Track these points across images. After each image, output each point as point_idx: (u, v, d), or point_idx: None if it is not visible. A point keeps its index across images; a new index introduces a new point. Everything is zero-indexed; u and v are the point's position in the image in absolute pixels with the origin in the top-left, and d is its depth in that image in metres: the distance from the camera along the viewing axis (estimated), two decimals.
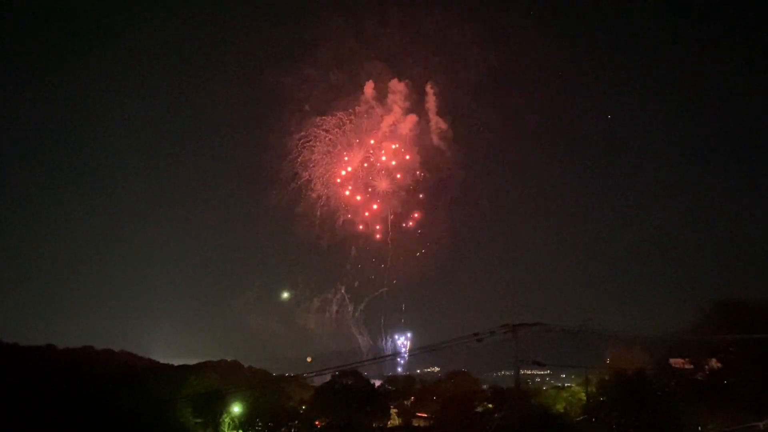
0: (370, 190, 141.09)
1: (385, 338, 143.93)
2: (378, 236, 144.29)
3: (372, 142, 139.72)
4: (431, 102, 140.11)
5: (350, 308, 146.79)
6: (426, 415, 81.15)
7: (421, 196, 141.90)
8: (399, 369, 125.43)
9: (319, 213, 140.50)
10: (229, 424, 68.33)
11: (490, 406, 76.92)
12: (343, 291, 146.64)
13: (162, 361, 78.01)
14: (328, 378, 79.23)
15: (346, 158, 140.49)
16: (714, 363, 63.50)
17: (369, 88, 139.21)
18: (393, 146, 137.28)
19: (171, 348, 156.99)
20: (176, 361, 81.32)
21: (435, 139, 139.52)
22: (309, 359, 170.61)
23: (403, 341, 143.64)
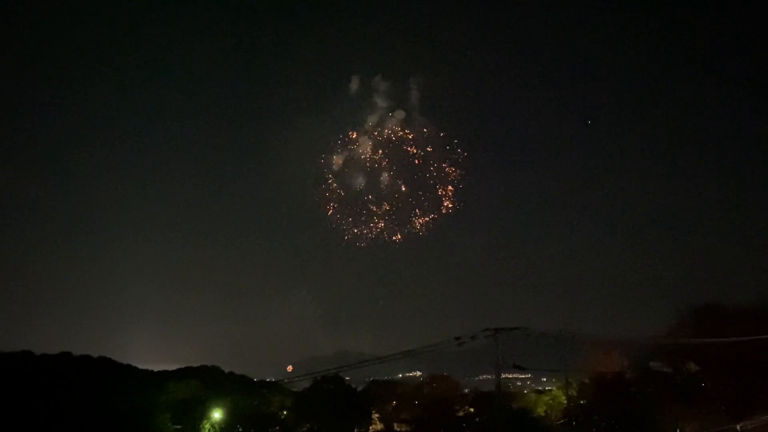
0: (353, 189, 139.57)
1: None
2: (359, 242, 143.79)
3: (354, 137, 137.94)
4: (415, 99, 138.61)
5: (318, 312, 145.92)
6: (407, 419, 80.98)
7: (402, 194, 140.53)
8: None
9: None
10: (209, 430, 67.52)
11: (472, 410, 77.24)
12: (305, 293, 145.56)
13: (141, 367, 76.73)
14: (309, 384, 78.71)
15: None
16: (692, 366, 64.18)
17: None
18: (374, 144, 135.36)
19: (150, 354, 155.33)
20: (156, 367, 79.97)
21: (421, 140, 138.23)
22: (290, 368, 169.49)
23: None
